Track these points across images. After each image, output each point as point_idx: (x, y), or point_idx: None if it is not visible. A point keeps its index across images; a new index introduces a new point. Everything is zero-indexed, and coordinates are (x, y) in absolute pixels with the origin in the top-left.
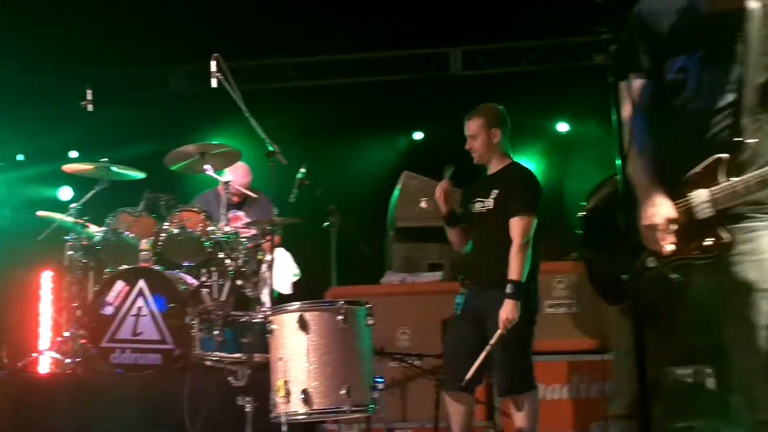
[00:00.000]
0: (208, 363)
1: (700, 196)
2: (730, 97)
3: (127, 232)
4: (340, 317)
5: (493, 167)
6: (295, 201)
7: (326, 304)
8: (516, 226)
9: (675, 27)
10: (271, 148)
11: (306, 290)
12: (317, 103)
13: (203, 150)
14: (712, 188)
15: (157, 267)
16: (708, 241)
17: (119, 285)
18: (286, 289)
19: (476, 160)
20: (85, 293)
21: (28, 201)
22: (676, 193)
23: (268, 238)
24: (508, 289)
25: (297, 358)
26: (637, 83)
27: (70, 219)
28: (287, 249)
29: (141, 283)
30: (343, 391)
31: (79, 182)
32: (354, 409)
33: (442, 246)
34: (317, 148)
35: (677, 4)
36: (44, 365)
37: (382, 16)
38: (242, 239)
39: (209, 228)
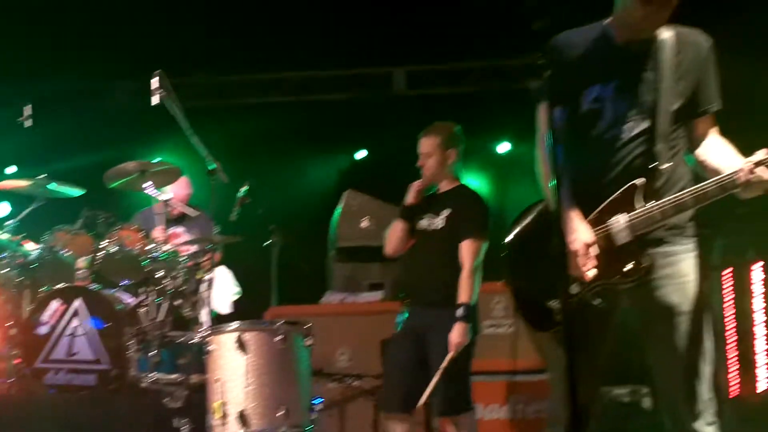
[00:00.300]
0: (144, 384)
1: (618, 221)
2: (644, 125)
3: (63, 250)
4: (278, 338)
5: (444, 186)
6: (237, 219)
7: (265, 324)
8: (468, 249)
9: (590, 58)
10: (212, 166)
11: (246, 310)
12: (260, 121)
13: (143, 168)
14: (630, 214)
15: (94, 286)
16: (628, 266)
17: (55, 304)
18: (225, 308)
19: (426, 180)
20: (19, 312)
21: None
22: (596, 219)
23: (208, 256)
24: (460, 312)
25: (235, 379)
26: (552, 112)
27: (5, 236)
28: (228, 267)
29: (77, 302)
30: (281, 412)
31: (16, 198)
32: (292, 429)
33: (383, 266)
34: (259, 166)
35: (592, 35)
36: None
37: (326, 34)
38: (181, 258)
39: (148, 246)
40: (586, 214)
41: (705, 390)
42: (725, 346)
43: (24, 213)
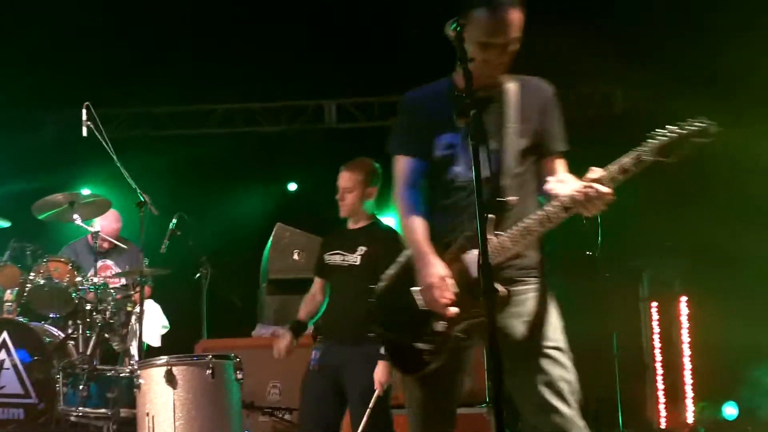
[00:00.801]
0: (72, 418)
1: (472, 255)
2: (495, 165)
3: None
4: (208, 371)
5: (359, 223)
6: (167, 251)
7: (194, 358)
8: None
9: (440, 109)
10: (142, 198)
11: (176, 343)
12: (191, 152)
13: (72, 199)
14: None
15: (21, 318)
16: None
17: None
18: (155, 341)
19: (343, 213)
20: None
21: None
22: (452, 257)
23: (138, 289)
24: (383, 350)
25: (164, 413)
26: (407, 163)
27: None
28: (158, 300)
29: (4, 335)
30: None
31: None
32: None
33: None
34: (190, 198)
35: (441, 87)
36: None
37: (259, 67)
38: (111, 290)
39: (77, 279)
40: (444, 255)
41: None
42: (654, 377)
43: None
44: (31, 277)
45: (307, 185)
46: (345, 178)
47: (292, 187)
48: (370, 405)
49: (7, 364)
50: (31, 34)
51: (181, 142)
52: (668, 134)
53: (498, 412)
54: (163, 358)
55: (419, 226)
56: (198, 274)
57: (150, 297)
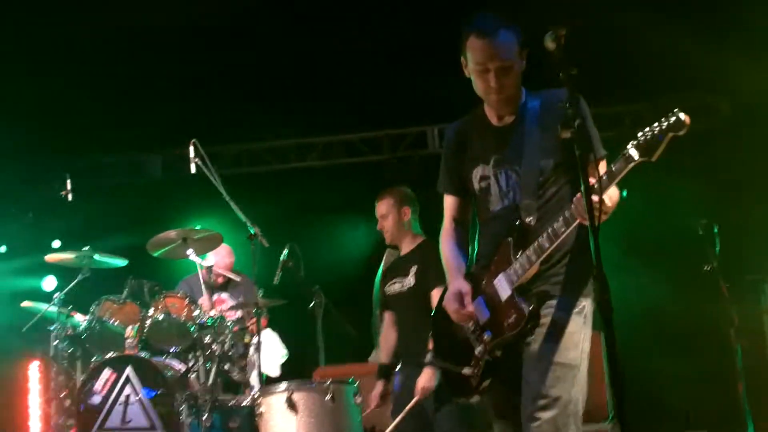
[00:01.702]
0: None
1: (499, 279)
2: (516, 189)
3: (111, 320)
4: (328, 396)
5: (406, 247)
6: (279, 282)
7: (314, 384)
8: (436, 296)
9: (473, 143)
10: (252, 231)
11: (294, 371)
12: (297, 185)
13: (185, 235)
14: (506, 270)
15: (143, 354)
16: (510, 319)
17: (106, 373)
18: (274, 371)
19: (388, 240)
20: (72, 383)
21: (12, 292)
22: (486, 284)
23: (254, 320)
24: (428, 357)
25: None
26: (450, 200)
27: (54, 309)
28: (274, 330)
29: (128, 371)
30: None
31: (62, 272)
32: None
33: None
34: (299, 229)
35: (472, 121)
36: None
37: (362, 96)
38: (228, 323)
39: (194, 313)
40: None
41: None
42: None
43: (70, 285)
44: (149, 313)
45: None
46: (378, 208)
47: None
48: (406, 409)
49: (133, 398)
50: (132, 76)
51: (285, 175)
52: (646, 133)
53: (623, 425)
54: (283, 385)
55: (451, 255)
56: (312, 304)
57: (267, 327)
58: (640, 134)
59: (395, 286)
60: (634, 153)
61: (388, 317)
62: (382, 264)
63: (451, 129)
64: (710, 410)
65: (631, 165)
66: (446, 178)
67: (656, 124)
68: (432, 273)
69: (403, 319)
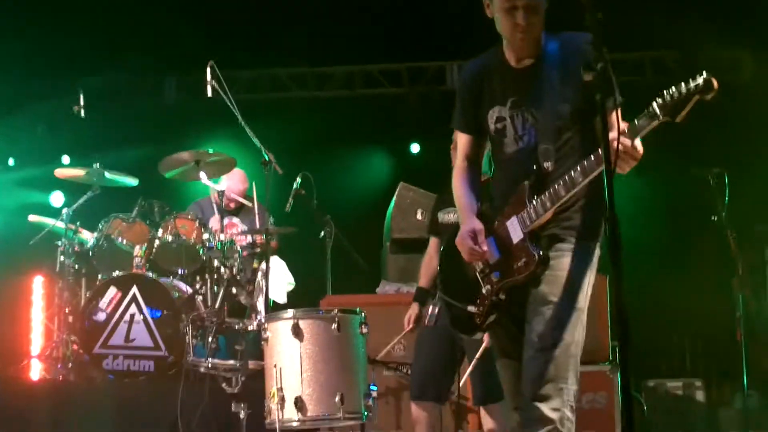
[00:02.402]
0: (201, 370)
1: (512, 222)
2: (534, 133)
3: (120, 239)
4: (334, 325)
5: None
6: (291, 210)
7: (320, 312)
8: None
9: (490, 83)
10: (266, 157)
11: (301, 299)
12: (314, 114)
13: (198, 158)
14: (520, 213)
15: (150, 274)
16: (519, 263)
17: (112, 291)
18: (281, 298)
19: None
20: (77, 299)
21: (19, 206)
22: (499, 226)
23: (264, 246)
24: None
25: (291, 366)
26: (464, 138)
27: (61, 224)
28: (283, 258)
29: (134, 290)
30: (336, 399)
31: (71, 187)
32: (347, 416)
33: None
34: (313, 158)
35: (490, 60)
36: (35, 371)
37: (381, 28)
38: (237, 247)
39: (204, 236)
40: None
41: (557, 376)
42: None
43: (80, 201)
44: (159, 234)
45: (429, 146)
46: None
47: (415, 148)
48: (476, 356)
49: (138, 318)
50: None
51: (304, 103)
52: (672, 93)
53: (624, 370)
54: (290, 312)
55: (463, 194)
56: (322, 233)
57: (275, 254)
58: (666, 92)
59: (451, 216)
60: (658, 111)
61: (434, 243)
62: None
63: (469, 67)
64: (709, 357)
65: (655, 123)
66: (461, 115)
67: (683, 85)
68: None
69: (450, 250)
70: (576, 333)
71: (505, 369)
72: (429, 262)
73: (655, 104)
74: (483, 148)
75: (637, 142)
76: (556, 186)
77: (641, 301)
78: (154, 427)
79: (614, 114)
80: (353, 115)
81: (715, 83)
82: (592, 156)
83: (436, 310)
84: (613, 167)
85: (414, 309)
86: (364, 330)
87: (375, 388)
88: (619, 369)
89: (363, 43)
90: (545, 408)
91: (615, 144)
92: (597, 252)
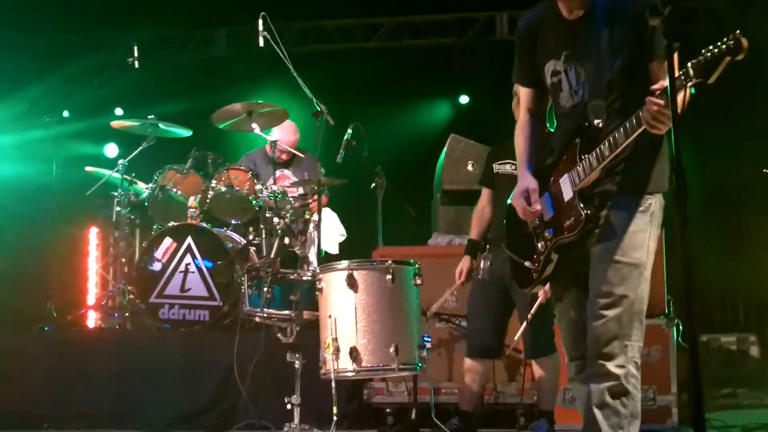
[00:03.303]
0: (257, 320)
1: (564, 180)
2: (584, 88)
3: (174, 190)
4: (388, 276)
5: None
6: (342, 162)
7: (374, 263)
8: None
9: (545, 35)
10: (318, 108)
11: (353, 250)
12: (363, 66)
13: (250, 109)
14: (571, 171)
15: (204, 224)
16: (570, 221)
17: (167, 241)
18: (333, 248)
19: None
20: (132, 249)
21: (74, 157)
22: (552, 184)
23: (315, 197)
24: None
25: (346, 316)
26: (524, 92)
27: (117, 175)
28: (334, 209)
29: (189, 240)
30: (391, 350)
31: (125, 139)
32: (402, 367)
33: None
34: (363, 109)
35: (544, 12)
36: (92, 320)
37: None
38: (289, 198)
39: (256, 187)
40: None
41: (621, 334)
42: None
43: (134, 152)
44: (212, 185)
45: (479, 97)
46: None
47: (464, 99)
48: (531, 311)
49: (192, 267)
50: None
51: (354, 54)
52: (706, 54)
53: (690, 324)
54: (344, 263)
55: (523, 149)
56: (373, 185)
57: (327, 206)
58: (701, 52)
59: (507, 167)
60: (691, 72)
61: (487, 194)
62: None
63: (524, 19)
64: (764, 312)
65: (690, 84)
66: (520, 69)
67: (715, 46)
68: None
69: (504, 201)
70: (639, 289)
71: (564, 323)
72: (480, 214)
73: (690, 65)
74: (545, 100)
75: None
76: (602, 146)
77: (695, 256)
78: (210, 375)
79: (674, 63)
80: (402, 67)
81: (744, 43)
82: (633, 117)
83: (488, 263)
84: (639, 127)
85: (465, 262)
86: (418, 281)
87: (429, 339)
88: (674, 323)
89: None
90: (610, 365)
91: (649, 104)
92: (657, 205)
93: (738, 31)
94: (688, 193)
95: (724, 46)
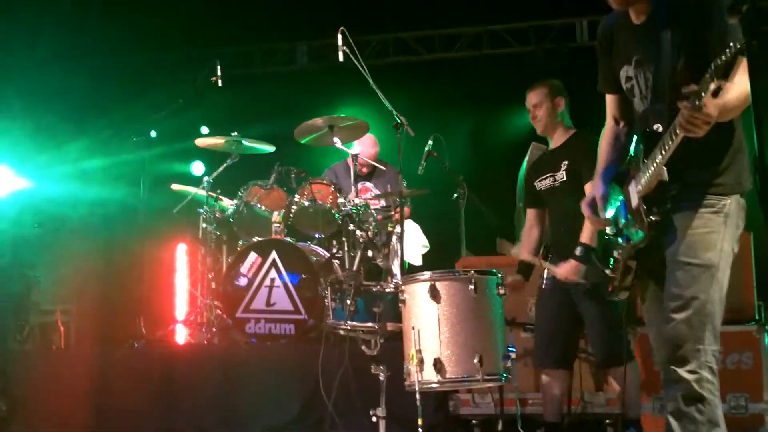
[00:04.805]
0: (341, 332)
1: (632, 186)
2: (649, 92)
3: (258, 205)
4: (471, 287)
5: (558, 139)
6: (424, 173)
7: (457, 273)
8: (589, 191)
9: (619, 41)
10: (398, 120)
11: (436, 261)
12: (443, 76)
13: (331, 123)
14: (636, 177)
15: (288, 239)
16: (637, 227)
17: (252, 256)
18: (416, 260)
19: (540, 131)
20: (219, 265)
21: (162, 176)
22: (626, 189)
23: (398, 209)
24: (578, 251)
25: (429, 328)
26: (608, 98)
27: (203, 192)
28: (417, 221)
29: (273, 255)
30: (475, 360)
31: (210, 157)
32: (487, 378)
33: None
34: (443, 120)
35: (618, 18)
36: (181, 335)
37: None
38: (372, 211)
39: (339, 200)
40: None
41: (693, 337)
42: None
43: (219, 170)
44: (296, 200)
45: None
46: (531, 97)
47: None
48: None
49: (278, 282)
50: None
51: (432, 66)
52: (725, 54)
53: None
54: (427, 274)
55: (602, 156)
56: (455, 195)
57: (409, 217)
58: (719, 55)
59: (546, 181)
60: (712, 72)
61: (533, 214)
62: (527, 157)
63: (602, 26)
64: None
65: (712, 87)
66: (601, 76)
67: (731, 47)
68: (584, 167)
69: (556, 214)
70: (711, 291)
71: (652, 331)
72: (529, 234)
73: (712, 66)
74: (630, 107)
75: (709, 104)
76: (655, 150)
77: None
78: (296, 389)
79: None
80: (482, 76)
81: (754, 42)
82: (675, 121)
83: (550, 274)
84: (680, 132)
85: (516, 278)
86: (502, 291)
87: (513, 349)
88: (765, 329)
89: (488, 3)
90: (682, 371)
91: (681, 108)
92: (734, 206)
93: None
94: None
95: (736, 48)
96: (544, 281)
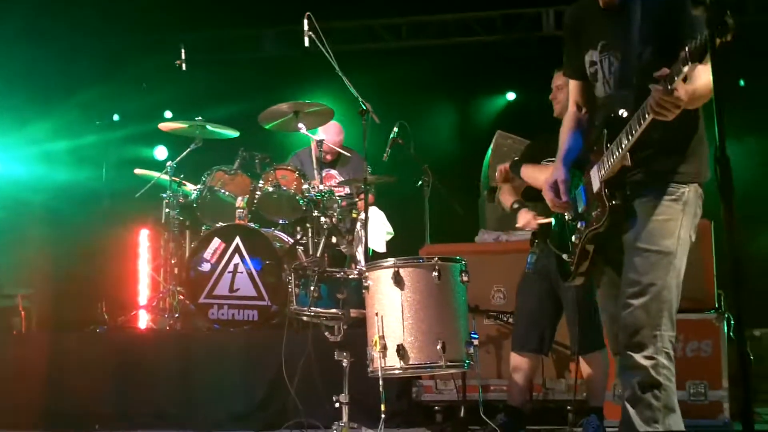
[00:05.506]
0: (304, 318)
1: (593, 171)
2: (615, 78)
3: (222, 190)
4: (434, 273)
5: None
6: (389, 160)
7: (421, 260)
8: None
9: (585, 26)
10: (363, 107)
11: (400, 248)
12: (410, 64)
13: (297, 108)
14: (598, 162)
15: (252, 225)
16: (597, 211)
17: (216, 242)
18: (380, 247)
19: (557, 113)
20: (182, 250)
21: (124, 160)
22: (586, 175)
23: (362, 196)
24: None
25: (392, 314)
26: (572, 84)
27: (166, 177)
28: (381, 208)
29: (237, 241)
30: (438, 347)
31: (174, 141)
32: (449, 364)
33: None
34: (410, 107)
35: (587, 4)
36: (143, 321)
37: None
38: (336, 197)
39: (304, 186)
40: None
41: (650, 323)
42: None
43: (183, 154)
44: (260, 185)
45: (525, 94)
46: (557, 78)
47: (511, 96)
48: None
49: (241, 268)
50: None
51: (399, 53)
52: (699, 39)
53: (738, 319)
54: (391, 260)
55: (563, 140)
56: (420, 182)
57: (373, 204)
58: (693, 37)
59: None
60: (687, 57)
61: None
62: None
63: (569, 11)
64: None
65: (686, 68)
66: (566, 61)
67: (704, 34)
68: None
69: None
70: (668, 278)
71: (606, 317)
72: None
73: (687, 49)
74: (586, 93)
75: (680, 88)
76: (621, 135)
77: (746, 248)
78: (260, 375)
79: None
80: (449, 64)
81: (731, 24)
82: (644, 105)
83: (535, 258)
84: (649, 115)
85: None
86: (465, 278)
87: (476, 336)
88: (725, 317)
89: None
90: (638, 356)
91: (653, 91)
92: (692, 194)
93: (727, 14)
94: (732, 184)
95: (713, 29)
96: (528, 266)
